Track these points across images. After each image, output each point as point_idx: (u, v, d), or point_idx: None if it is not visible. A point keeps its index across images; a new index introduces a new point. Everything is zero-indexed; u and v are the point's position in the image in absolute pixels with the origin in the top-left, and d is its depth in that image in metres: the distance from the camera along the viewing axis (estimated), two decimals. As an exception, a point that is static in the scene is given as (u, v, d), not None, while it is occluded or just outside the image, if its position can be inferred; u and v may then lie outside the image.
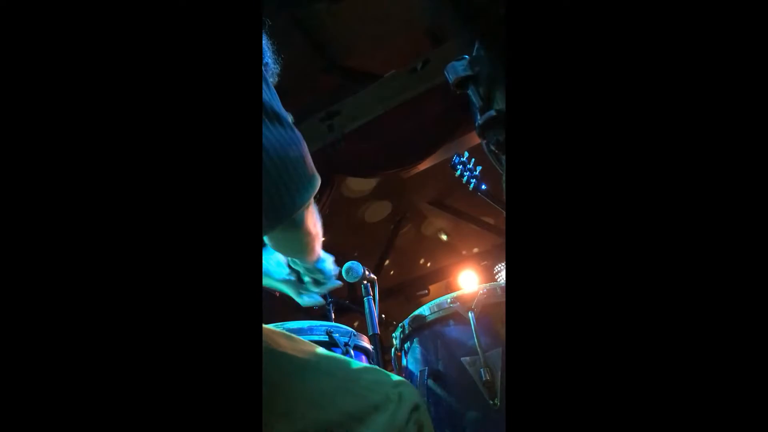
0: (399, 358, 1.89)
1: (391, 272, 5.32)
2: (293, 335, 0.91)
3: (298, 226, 0.82)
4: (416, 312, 1.82)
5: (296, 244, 0.90)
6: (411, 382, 1.70)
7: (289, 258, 1.09)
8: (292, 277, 1.13)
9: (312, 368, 0.84)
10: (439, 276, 5.44)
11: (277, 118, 0.73)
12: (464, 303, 1.70)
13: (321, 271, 1.08)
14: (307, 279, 1.13)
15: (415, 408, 0.82)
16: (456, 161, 2.33)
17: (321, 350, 0.90)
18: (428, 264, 5.54)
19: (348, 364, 0.89)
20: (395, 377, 0.88)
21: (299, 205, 0.75)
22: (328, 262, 1.09)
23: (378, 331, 1.83)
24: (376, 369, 0.92)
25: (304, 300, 1.15)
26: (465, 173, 2.30)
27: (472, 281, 4.64)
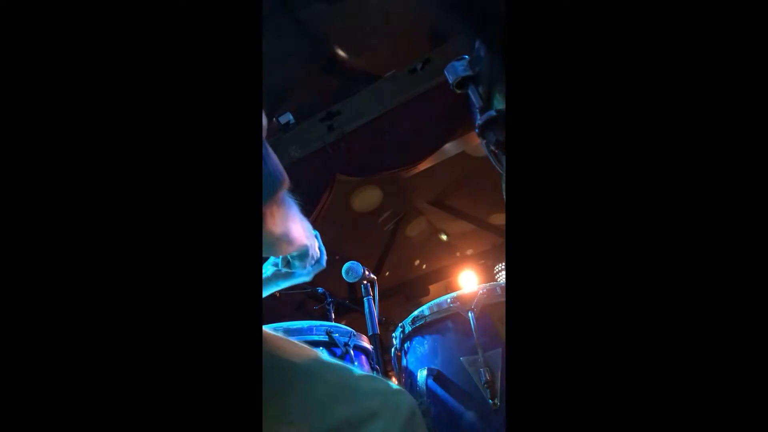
0: (399, 358, 1.89)
1: (390, 272, 5.32)
2: (293, 339, 0.90)
3: None
4: (416, 312, 1.82)
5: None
6: (411, 382, 1.71)
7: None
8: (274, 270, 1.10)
9: (311, 374, 0.84)
10: (439, 276, 5.44)
11: None
12: (464, 303, 1.70)
13: (304, 256, 1.04)
14: (295, 263, 1.11)
15: (412, 417, 0.82)
16: None
17: (320, 356, 0.90)
18: (428, 264, 5.53)
19: (347, 371, 0.89)
20: (393, 386, 0.88)
21: None
22: (310, 245, 1.06)
23: (378, 331, 1.83)
24: (374, 377, 0.91)
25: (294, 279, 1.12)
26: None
27: (471, 281, 4.64)
